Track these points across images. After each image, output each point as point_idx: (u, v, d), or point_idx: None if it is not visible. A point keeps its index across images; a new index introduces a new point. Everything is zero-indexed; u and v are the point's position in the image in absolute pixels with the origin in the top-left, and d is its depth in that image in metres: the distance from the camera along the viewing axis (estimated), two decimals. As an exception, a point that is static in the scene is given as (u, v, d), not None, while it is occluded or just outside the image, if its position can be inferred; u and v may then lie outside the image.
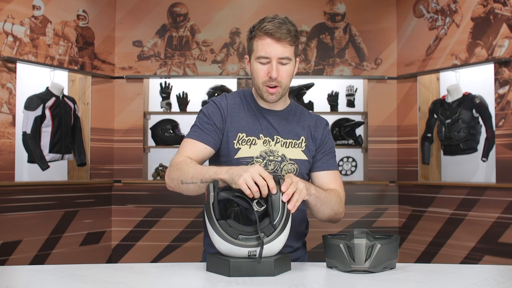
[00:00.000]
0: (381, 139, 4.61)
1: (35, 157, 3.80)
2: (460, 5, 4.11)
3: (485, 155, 3.86)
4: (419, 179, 4.41)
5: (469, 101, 3.97)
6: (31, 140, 3.78)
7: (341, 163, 4.70)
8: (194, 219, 4.45)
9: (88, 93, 4.41)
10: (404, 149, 4.56)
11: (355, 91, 4.68)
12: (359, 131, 4.71)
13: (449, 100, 4.10)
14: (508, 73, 3.73)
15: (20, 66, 3.90)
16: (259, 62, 1.61)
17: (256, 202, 1.34)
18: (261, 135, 1.68)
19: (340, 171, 4.68)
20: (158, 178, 4.49)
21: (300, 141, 1.71)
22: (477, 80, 4.08)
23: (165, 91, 4.61)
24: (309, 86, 4.47)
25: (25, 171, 4.06)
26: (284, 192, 1.34)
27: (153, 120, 4.69)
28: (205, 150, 1.63)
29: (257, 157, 1.65)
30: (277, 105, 1.72)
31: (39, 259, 3.88)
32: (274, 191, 1.32)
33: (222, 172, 1.39)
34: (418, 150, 4.41)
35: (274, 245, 1.32)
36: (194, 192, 1.51)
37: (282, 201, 1.33)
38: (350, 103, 4.68)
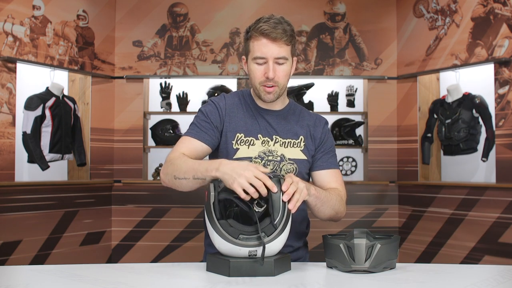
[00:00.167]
0: (381, 139, 4.61)
1: (35, 157, 3.80)
2: (460, 5, 4.11)
3: (485, 155, 3.86)
4: (419, 179, 4.41)
5: (469, 101, 3.97)
6: (31, 140, 3.78)
7: (341, 163, 4.70)
8: (194, 219, 4.45)
9: (88, 93, 4.41)
10: (404, 149, 4.56)
11: (355, 91, 4.68)
12: (359, 131, 4.71)
13: (449, 100, 4.10)
14: (508, 73, 3.73)
15: (20, 66, 3.90)
16: (255, 62, 1.61)
17: (256, 203, 1.34)
18: (259, 135, 1.67)
19: (340, 171, 4.68)
20: (158, 178, 4.49)
21: (299, 140, 1.71)
22: (477, 80, 4.08)
23: (165, 91, 4.61)
24: (309, 86, 4.47)
25: (25, 171, 4.06)
26: (284, 192, 1.34)
27: (153, 120, 4.69)
28: (202, 148, 1.62)
29: (255, 158, 1.65)
30: (276, 105, 1.71)
31: (39, 259, 3.88)
32: (274, 189, 1.31)
33: (213, 170, 1.38)
34: (418, 150, 4.41)
35: (275, 245, 1.32)
36: (187, 188, 1.50)
37: (282, 200, 1.33)
38: (350, 103, 4.68)
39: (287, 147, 1.69)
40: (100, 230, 4.41)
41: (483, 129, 3.95)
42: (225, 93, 1.79)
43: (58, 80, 4.11)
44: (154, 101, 4.69)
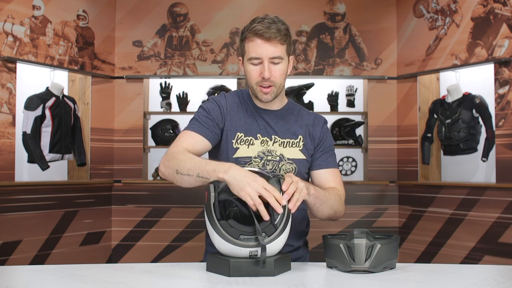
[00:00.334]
0: (381, 139, 4.61)
1: (35, 157, 3.80)
2: (460, 5, 4.11)
3: (485, 155, 3.86)
4: (419, 179, 4.41)
5: (469, 101, 3.97)
6: (31, 140, 3.78)
7: (341, 163, 4.70)
8: (194, 219, 4.45)
9: (88, 93, 4.40)
10: (404, 149, 4.56)
11: (355, 91, 4.68)
12: (359, 131, 4.71)
13: (449, 100, 4.10)
14: (508, 73, 3.73)
15: (20, 66, 3.90)
16: (251, 63, 1.61)
17: None
18: (258, 135, 1.68)
19: (340, 171, 4.67)
20: (158, 178, 4.49)
21: (298, 140, 1.71)
22: (477, 80, 4.08)
23: (165, 91, 4.61)
24: (309, 86, 4.47)
25: (25, 171, 4.06)
26: (284, 192, 1.34)
27: (153, 120, 4.69)
28: (203, 143, 1.61)
29: (255, 157, 1.65)
30: (274, 105, 1.71)
31: (39, 259, 3.88)
32: (279, 210, 1.32)
33: (221, 171, 1.38)
34: (418, 150, 4.41)
35: (275, 245, 1.32)
36: (187, 184, 1.49)
37: (282, 200, 1.33)
38: (350, 103, 4.68)
39: (286, 147, 1.69)
40: (100, 230, 4.41)
41: (483, 129, 3.95)
42: (225, 92, 1.79)
43: (58, 80, 4.11)
44: (154, 101, 4.69)
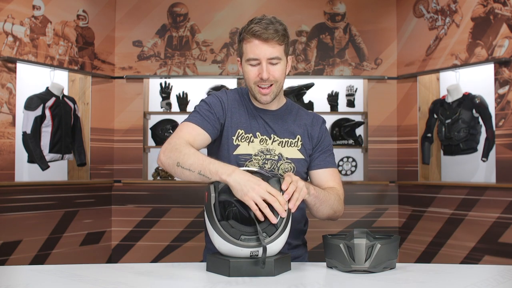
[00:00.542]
0: (381, 139, 4.61)
1: (35, 157, 3.80)
2: (460, 5, 4.11)
3: (485, 155, 3.86)
4: (419, 179, 4.41)
5: (469, 101, 3.97)
6: (31, 140, 3.78)
7: (341, 163, 4.70)
8: (194, 219, 4.45)
9: (88, 93, 4.40)
10: (404, 149, 4.56)
11: (355, 91, 4.68)
12: (359, 131, 4.71)
13: (449, 100, 4.10)
14: (508, 73, 3.73)
15: (20, 66, 3.90)
16: (249, 64, 1.61)
17: None
18: (258, 133, 1.68)
19: (340, 171, 4.68)
20: (158, 178, 4.49)
21: (296, 140, 1.71)
22: (477, 80, 4.08)
23: (165, 91, 4.61)
24: (309, 86, 4.47)
25: (25, 171, 4.06)
26: (284, 191, 1.34)
27: (153, 120, 4.69)
28: (204, 136, 1.60)
29: (255, 155, 1.65)
30: (272, 105, 1.72)
31: (39, 259, 3.88)
32: (283, 214, 1.31)
33: (224, 174, 1.37)
34: (418, 150, 4.41)
35: (276, 245, 1.32)
36: (186, 179, 1.48)
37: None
38: (350, 103, 4.68)
39: (284, 146, 1.69)
40: (100, 230, 4.41)
41: (483, 129, 3.95)
42: (226, 89, 1.79)
43: (58, 80, 4.11)
44: (154, 101, 4.69)
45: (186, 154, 1.47)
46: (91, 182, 4.37)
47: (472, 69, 4.07)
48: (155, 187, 4.53)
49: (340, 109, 4.66)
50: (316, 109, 4.57)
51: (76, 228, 4.20)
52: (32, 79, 4.02)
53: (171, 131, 4.55)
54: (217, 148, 1.68)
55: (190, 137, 1.56)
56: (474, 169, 4.22)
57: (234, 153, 1.64)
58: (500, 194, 3.73)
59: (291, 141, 1.70)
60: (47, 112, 3.90)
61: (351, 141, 4.58)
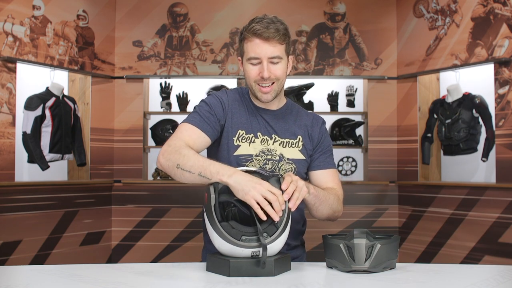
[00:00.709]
0: (381, 139, 4.61)
1: (35, 157, 3.80)
2: (460, 5, 4.11)
3: (485, 155, 3.86)
4: (419, 179, 4.41)
5: (469, 101, 3.97)
6: (31, 140, 3.78)
7: (341, 163, 4.70)
8: (194, 219, 4.45)
9: (88, 93, 4.40)
10: (404, 149, 4.56)
11: (355, 91, 4.68)
12: (359, 131, 4.71)
13: (449, 100, 4.10)
14: (508, 73, 3.73)
15: (20, 66, 3.90)
16: (250, 63, 1.61)
17: None
18: (259, 133, 1.68)
19: (340, 171, 4.68)
20: (158, 178, 4.49)
21: (297, 140, 1.71)
22: (477, 80, 4.08)
23: (165, 91, 4.61)
24: (309, 86, 4.47)
25: (25, 171, 4.06)
26: (284, 191, 1.35)
27: (153, 120, 4.69)
28: (204, 138, 1.60)
29: (256, 155, 1.65)
30: (273, 105, 1.72)
31: (39, 259, 3.88)
32: (279, 213, 1.32)
33: (225, 175, 1.37)
34: (418, 150, 4.41)
35: (276, 245, 1.33)
36: (186, 181, 1.46)
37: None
38: (350, 103, 4.68)
39: (285, 146, 1.69)
40: (100, 230, 4.41)
41: (483, 129, 3.95)
42: (226, 89, 1.78)
43: (58, 80, 4.11)
44: (154, 101, 4.69)
45: (186, 155, 1.47)
46: (91, 182, 4.37)
47: (472, 69, 4.07)
48: (155, 187, 4.53)
49: (340, 109, 4.66)
50: (316, 109, 4.57)
51: (76, 228, 4.20)
52: (32, 79, 4.02)
53: (171, 131, 4.54)
54: (217, 149, 1.68)
55: (190, 140, 1.56)
56: (474, 169, 4.22)
57: (235, 153, 1.64)
58: (500, 194, 3.73)
59: (292, 142, 1.70)
60: (47, 112, 3.90)
61: (351, 141, 4.58)
